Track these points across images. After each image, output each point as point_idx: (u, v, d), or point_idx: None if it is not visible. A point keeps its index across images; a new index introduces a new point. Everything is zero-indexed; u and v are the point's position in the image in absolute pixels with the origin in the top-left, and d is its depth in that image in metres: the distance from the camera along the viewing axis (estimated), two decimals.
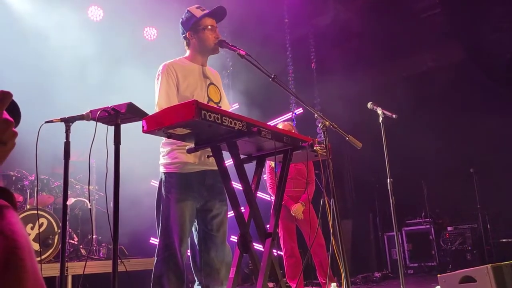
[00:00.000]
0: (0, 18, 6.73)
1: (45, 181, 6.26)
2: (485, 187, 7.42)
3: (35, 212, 5.57)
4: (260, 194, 6.12)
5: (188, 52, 3.34)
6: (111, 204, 2.66)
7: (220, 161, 2.62)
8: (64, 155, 2.83)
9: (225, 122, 2.31)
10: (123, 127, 2.74)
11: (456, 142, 7.70)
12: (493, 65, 7.99)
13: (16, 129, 0.88)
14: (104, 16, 7.72)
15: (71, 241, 6.28)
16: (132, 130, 3.07)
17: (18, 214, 0.81)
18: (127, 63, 7.16)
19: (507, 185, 7.11)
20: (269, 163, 5.31)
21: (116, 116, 2.64)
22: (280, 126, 5.33)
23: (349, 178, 9.35)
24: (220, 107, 3.19)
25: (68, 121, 2.80)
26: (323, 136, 3.01)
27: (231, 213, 2.93)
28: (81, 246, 6.38)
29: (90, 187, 5.95)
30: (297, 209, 5.21)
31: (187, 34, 3.28)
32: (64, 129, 2.84)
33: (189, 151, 2.67)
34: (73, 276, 5.53)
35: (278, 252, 5.17)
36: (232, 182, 2.67)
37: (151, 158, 4.10)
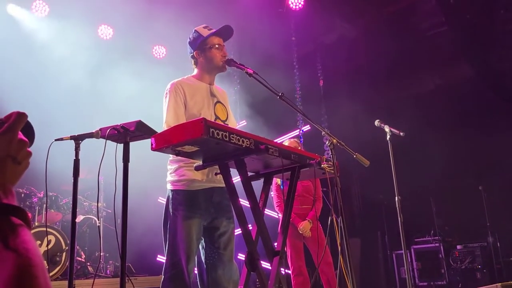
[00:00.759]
0: (11, 36, 6.85)
1: (53, 198, 6.29)
2: (494, 204, 7.35)
3: (44, 229, 5.59)
4: (267, 211, 6.10)
5: (195, 71, 3.38)
6: (119, 221, 2.67)
7: (227, 178, 2.63)
8: (74, 172, 2.85)
9: (233, 140, 2.32)
10: (132, 144, 2.76)
11: (465, 159, 7.66)
12: (501, 82, 7.98)
13: (30, 149, 0.90)
14: (114, 34, 7.83)
15: (79, 259, 6.28)
16: (140, 147, 3.10)
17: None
18: (137, 81, 7.24)
19: None
20: (276, 181, 5.30)
21: (125, 134, 2.67)
22: (286, 143, 5.34)
23: (357, 196, 9.30)
24: (227, 125, 3.21)
25: (77, 139, 2.83)
26: (330, 153, 3.01)
27: (238, 231, 2.92)
28: (89, 264, 6.37)
29: (98, 204, 5.98)
30: (305, 227, 5.18)
31: (194, 53, 3.33)
32: (74, 147, 2.87)
33: (197, 168, 2.69)
34: None
35: (286, 270, 5.13)
36: (240, 200, 2.67)
37: (158, 175, 4.12)
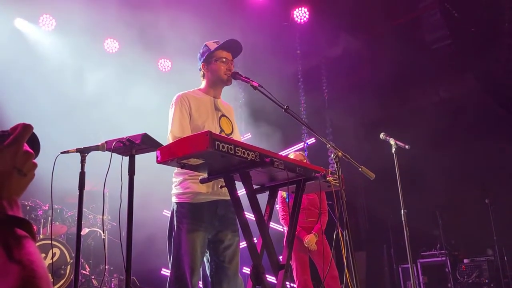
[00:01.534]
0: (17, 49, 6.91)
1: (58, 210, 6.30)
2: (501, 218, 7.29)
3: (49, 241, 5.58)
4: (272, 224, 6.08)
5: (203, 84, 3.42)
6: (123, 234, 2.67)
7: (233, 191, 2.62)
8: (79, 185, 2.85)
9: (238, 153, 2.32)
10: (137, 156, 2.77)
11: (471, 172, 7.63)
12: (506, 95, 7.97)
13: (36, 161, 0.90)
14: (119, 48, 7.89)
15: (83, 272, 6.26)
16: (146, 160, 3.10)
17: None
18: (142, 94, 7.28)
19: None
20: (281, 194, 5.28)
21: (131, 147, 2.67)
22: (291, 156, 5.33)
23: (363, 209, 9.26)
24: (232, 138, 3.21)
25: (83, 152, 2.84)
26: (335, 166, 3.00)
27: (243, 244, 2.91)
28: (93, 277, 6.35)
29: (103, 217, 5.97)
30: (310, 240, 5.15)
31: (201, 66, 3.38)
32: (80, 159, 2.87)
33: (202, 181, 2.68)
34: None
35: (291, 284, 5.09)
36: (245, 212, 2.66)
37: (163, 188, 4.12)
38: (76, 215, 2.94)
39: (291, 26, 8.31)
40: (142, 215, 5.84)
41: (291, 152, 5.81)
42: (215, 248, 3.14)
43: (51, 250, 5.60)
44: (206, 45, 3.39)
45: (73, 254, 5.73)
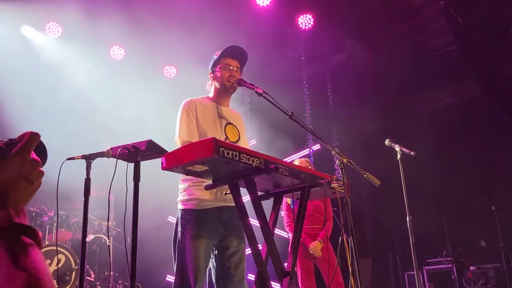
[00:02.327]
0: (23, 56, 6.95)
1: (63, 217, 6.31)
2: (508, 225, 7.25)
3: (54, 248, 5.59)
4: (277, 231, 6.06)
5: (211, 93, 3.46)
6: (128, 240, 2.67)
7: (237, 198, 2.62)
8: (85, 192, 2.86)
9: (242, 159, 2.32)
10: (143, 162, 2.78)
11: (476, 178, 7.59)
12: (511, 100, 7.94)
13: (42, 169, 0.91)
14: (125, 55, 7.93)
15: (88, 278, 6.26)
16: (151, 166, 3.11)
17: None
18: (147, 101, 7.30)
19: None
20: (286, 200, 5.27)
21: (136, 153, 2.68)
22: (296, 162, 5.32)
23: (368, 215, 9.23)
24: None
25: (89, 158, 2.85)
26: (340, 173, 3.00)
27: (248, 251, 2.90)
28: (98, 283, 6.35)
29: (108, 223, 5.98)
30: (315, 247, 5.14)
31: (209, 74, 3.44)
32: (85, 166, 2.88)
33: (207, 187, 2.68)
34: None
35: None
36: (250, 219, 2.66)
37: (169, 194, 4.12)
38: (82, 221, 2.95)
39: (296, 33, 8.32)
40: (148, 221, 5.86)
41: (296, 159, 5.81)
42: (220, 255, 3.14)
43: (56, 257, 5.60)
44: (215, 54, 3.43)
45: (78, 261, 5.74)
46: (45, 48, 7.34)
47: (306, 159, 5.72)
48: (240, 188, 2.65)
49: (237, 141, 3.34)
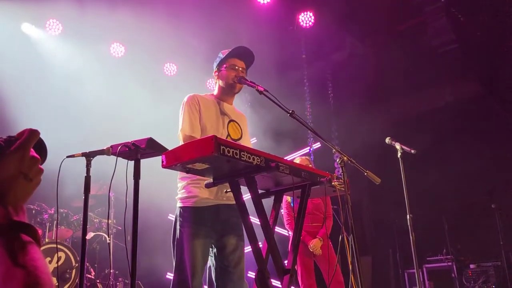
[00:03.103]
0: (24, 54, 6.94)
1: (64, 214, 6.31)
2: (508, 223, 7.25)
3: (54, 245, 5.60)
4: (278, 229, 6.06)
5: (215, 91, 3.47)
6: (129, 238, 2.67)
7: (238, 196, 2.62)
8: (85, 189, 2.86)
9: (243, 158, 2.32)
10: (143, 160, 2.77)
11: (477, 177, 7.59)
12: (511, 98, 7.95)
13: (42, 166, 0.91)
14: (125, 52, 7.92)
15: (88, 276, 6.27)
16: (151, 163, 3.10)
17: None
18: (148, 98, 7.30)
19: None
20: (286, 198, 5.27)
21: (136, 151, 2.68)
22: (297, 160, 5.32)
23: (368, 213, 9.23)
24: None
25: (89, 156, 2.85)
26: (341, 171, 3.00)
27: (248, 248, 2.90)
28: (98, 281, 6.35)
29: (108, 221, 5.98)
30: (315, 245, 5.14)
31: (214, 72, 3.44)
32: (85, 164, 2.88)
33: (208, 186, 2.68)
34: None
35: None
36: (250, 217, 2.66)
37: (169, 192, 4.12)
38: (82, 219, 2.95)
39: (297, 31, 8.31)
40: (148, 219, 5.86)
41: (297, 157, 5.81)
42: (219, 253, 3.14)
43: (56, 254, 5.61)
44: (221, 53, 3.44)
45: (78, 258, 5.74)
46: (45, 45, 7.34)
47: (307, 157, 5.71)
48: (241, 186, 2.65)
49: (239, 138, 3.34)
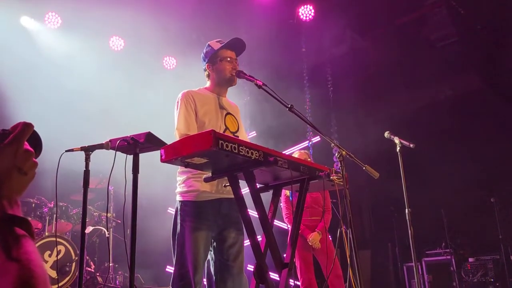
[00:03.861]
0: (23, 49, 6.93)
1: (63, 208, 6.32)
2: (507, 217, 7.26)
3: (53, 239, 5.61)
4: (276, 222, 6.07)
5: (208, 84, 3.43)
6: (128, 232, 2.68)
7: (237, 190, 2.62)
8: (84, 183, 2.87)
9: (242, 152, 2.32)
10: (142, 154, 2.78)
11: (476, 171, 7.59)
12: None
13: (37, 159, 0.90)
14: (125, 46, 7.91)
15: (88, 269, 6.29)
16: (150, 158, 3.11)
17: (35, 243, 0.82)
18: (147, 92, 7.29)
19: None
20: (285, 192, 5.28)
21: (135, 146, 2.68)
22: (296, 154, 5.33)
23: (367, 207, 9.24)
24: (237, 137, 3.21)
25: (88, 150, 2.85)
26: (339, 165, 3.00)
27: (247, 242, 2.91)
28: (98, 274, 6.38)
29: (108, 214, 5.99)
30: (314, 238, 5.15)
31: (206, 66, 3.39)
32: (84, 158, 2.88)
33: (206, 180, 2.69)
34: None
35: (295, 282, 5.09)
36: (249, 211, 2.66)
37: (168, 186, 4.13)
38: (81, 212, 2.96)
39: (297, 24, 8.28)
40: (147, 213, 5.87)
41: (296, 151, 5.81)
42: (219, 247, 3.14)
43: (56, 248, 5.62)
44: (209, 45, 3.39)
45: (78, 252, 5.76)
46: (44, 38, 7.32)
47: (305, 151, 5.71)
48: (240, 180, 2.66)
49: (237, 131, 3.34)
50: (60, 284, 5.49)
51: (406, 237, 4.30)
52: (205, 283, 3.22)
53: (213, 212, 3.08)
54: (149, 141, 2.67)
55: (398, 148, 4.36)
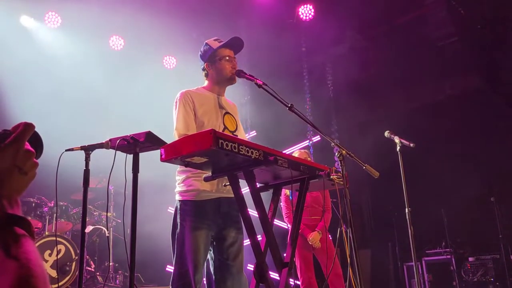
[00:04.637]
0: (23, 47, 6.93)
1: (63, 207, 6.33)
2: (507, 216, 7.26)
3: (54, 238, 5.61)
4: (276, 222, 6.08)
5: (206, 83, 3.41)
6: (128, 231, 2.68)
7: (237, 189, 2.62)
8: (84, 183, 2.87)
9: (242, 151, 2.32)
10: (142, 154, 2.78)
11: (476, 170, 7.59)
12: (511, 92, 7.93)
13: (37, 160, 0.91)
14: (125, 45, 7.90)
15: (88, 268, 6.29)
16: (150, 157, 3.11)
17: (35, 242, 0.82)
18: (147, 92, 7.29)
19: None
20: (284, 192, 5.28)
21: (135, 145, 2.68)
22: (296, 154, 5.33)
23: (367, 207, 9.24)
24: (236, 136, 3.21)
25: (88, 149, 2.85)
26: (340, 164, 3.00)
27: (247, 242, 2.91)
28: (98, 274, 6.38)
29: (108, 214, 6.00)
30: (314, 238, 5.15)
31: (205, 65, 3.37)
32: (84, 157, 2.89)
33: (206, 179, 2.68)
34: None
35: (295, 281, 5.09)
36: (249, 210, 2.66)
37: (168, 185, 4.13)
38: (81, 212, 2.96)
39: (296, 24, 8.28)
40: (147, 212, 5.86)
41: (296, 150, 5.81)
42: (218, 246, 3.14)
43: (56, 247, 5.62)
44: (207, 44, 3.37)
45: (78, 251, 5.76)
46: (44, 38, 7.32)
47: (306, 150, 5.71)
48: (240, 180, 2.66)
49: (235, 130, 3.33)
50: (60, 284, 5.49)
51: (406, 237, 4.30)
52: (204, 282, 3.21)
53: (213, 211, 3.08)
54: (149, 141, 2.67)
55: (398, 148, 4.36)
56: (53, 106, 6.60)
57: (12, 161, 0.85)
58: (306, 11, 8.20)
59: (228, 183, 2.66)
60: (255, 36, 6.73)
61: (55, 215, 5.94)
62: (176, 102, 3.22)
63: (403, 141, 4.39)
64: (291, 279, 2.66)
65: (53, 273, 5.35)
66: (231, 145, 2.27)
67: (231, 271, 3.09)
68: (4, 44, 6.61)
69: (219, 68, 3.31)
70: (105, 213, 6.55)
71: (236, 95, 6.81)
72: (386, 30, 8.42)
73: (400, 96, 8.69)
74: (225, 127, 3.25)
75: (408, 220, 4.16)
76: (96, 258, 6.62)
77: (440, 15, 8.10)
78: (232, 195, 2.69)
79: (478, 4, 7.58)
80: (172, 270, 3.07)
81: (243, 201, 2.63)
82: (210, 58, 3.33)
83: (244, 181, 2.62)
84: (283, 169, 2.55)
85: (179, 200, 3.12)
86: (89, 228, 6.31)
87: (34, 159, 0.89)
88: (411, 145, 4.40)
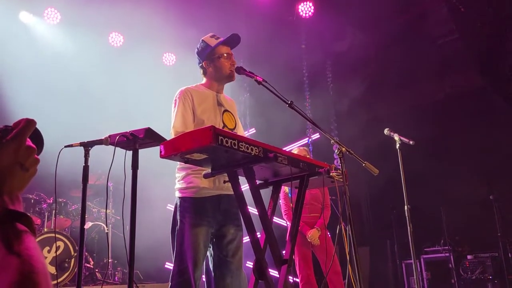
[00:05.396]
0: (23, 44, 6.91)
1: (62, 204, 6.32)
2: (506, 214, 7.27)
3: (53, 235, 5.61)
4: (276, 219, 6.08)
5: (204, 80, 3.40)
6: (127, 228, 2.67)
7: (236, 186, 2.62)
8: (83, 179, 2.86)
9: (241, 148, 2.32)
10: (141, 150, 2.77)
11: (475, 168, 7.60)
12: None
13: (38, 156, 0.90)
14: (124, 42, 7.89)
15: (87, 265, 6.29)
16: (150, 154, 3.10)
17: (36, 238, 0.82)
18: (146, 88, 7.28)
19: None
20: (284, 189, 5.28)
21: (134, 141, 2.67)
22: (295, 151, 5.32)
23: (367, 204, 9.25)
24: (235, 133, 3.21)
25: (87, 146, 2.84)
26: (339, 162, 3.00)
27: (246, 239, 2.91)
28: (97, 270, 6.38)
29: (107, 210, 5.99)
30: (313, 235, 5.16)
31: (203, 63, 3.36)
32: (83, 153, 2.88)
33: (206, 176, 2.68)
34: None
35: (294, 278, 5.10)
36: (248, 207, 2.66)
37: (167, 182, 4.12)
38: (80, 208, 2.95)
39: (297, 21, 8.27)
40: (146, 209, 5.86)
41: (295, 147, 5.81)
42: (218, 243, 3.14)
43: (55, 244, 5.62)
44: (204, 41, 3.35)
45: (77, 248, 5.76)
46: (43, 34, 7.30)
47: (305, 148, 5.71)
48: (239, 177, 2.65)
49: (234, 128, 3.33)
50: (59, 280, 5.49)
51: (405, 234, 4.30)
52: (203, 279, 3.21)
53: (213, 208, 3.08)
54: (148, 137, 2.67)
55: (397, 145, 4.36)
56: (52, 102, 6.59)
57: (14, 158, 0.85)
58: (306, 8, 8.19)
59: (228, 180, 2.66)
60: (255, 33, 6.72)
61: (54, 211, 5.94)
62: (175, 99, 3.21)
63: (402, 138, 4.39)
64: (290, 276, 2.66)
65: (52, 270, 5.35)
66: (231, 142, 2.27)
67: (230, 268, 3.09)
68: (3, 40, 6.60)
69: (218, 66, 3.30)
70: (104, 210, 6.55)
71: (235, 92, 6.80)
72: (386, 28, 8.41)
73: (400, 93, 8.69)
74: (224, 125, 3.25)
75: (407, 217, 4.16)
76: (95, 254, 6.62)
77: (440, 12, 8.09)
78: (232, 192, 2.69)
79: (478, 1, 7.57)
80: (171, 267, 3.06)
81: (243, 198, 2.62)
82: (208, 56, 3.32)
83: (244, 178, 2.62)
84: (283, 166, 2.55)
85: (179, 197, 3.12)
86: (88, 224, 6.32)
87: (36, 156, 0.89)
88: (411, 142, 4.40)
